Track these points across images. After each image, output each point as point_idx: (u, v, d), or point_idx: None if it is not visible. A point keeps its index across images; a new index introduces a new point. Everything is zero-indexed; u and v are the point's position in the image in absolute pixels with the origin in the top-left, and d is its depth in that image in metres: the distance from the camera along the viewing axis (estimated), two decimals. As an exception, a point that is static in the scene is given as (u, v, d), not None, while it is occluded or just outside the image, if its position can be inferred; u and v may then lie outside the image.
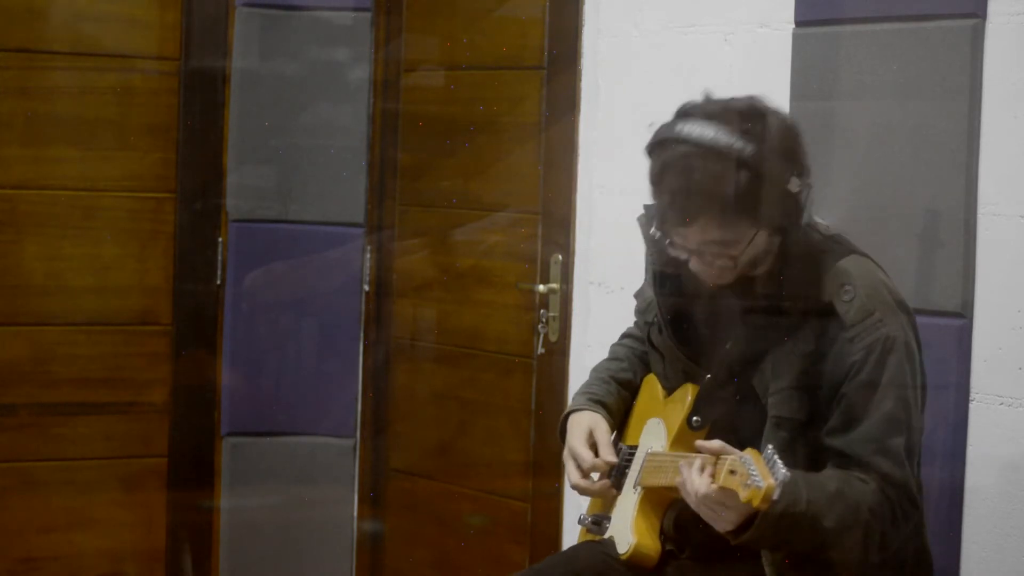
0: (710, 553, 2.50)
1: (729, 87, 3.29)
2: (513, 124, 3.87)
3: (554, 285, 3.74)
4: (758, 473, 2.23)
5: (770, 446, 2.29)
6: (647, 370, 2.81)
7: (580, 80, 3.66)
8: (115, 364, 4.08)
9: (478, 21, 3.94)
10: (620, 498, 2.69)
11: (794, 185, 2.45)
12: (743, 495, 2.24)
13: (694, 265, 2.52)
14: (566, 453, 2.74)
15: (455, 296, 4.02)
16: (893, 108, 2.98)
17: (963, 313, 2.88)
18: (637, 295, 2.87)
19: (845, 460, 2.44)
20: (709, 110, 2.47)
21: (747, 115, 2.45)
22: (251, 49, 4.12)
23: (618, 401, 2.81)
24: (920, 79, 2.93)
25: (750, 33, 3.28)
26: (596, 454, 2.71)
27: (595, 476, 2.71)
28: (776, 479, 2.21)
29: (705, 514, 2.41)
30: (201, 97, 4.10)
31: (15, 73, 3.94)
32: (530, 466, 3.82)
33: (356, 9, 4.12)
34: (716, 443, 2.39)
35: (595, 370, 2.90)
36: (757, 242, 2.47)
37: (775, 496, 2.22)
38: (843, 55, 3.07)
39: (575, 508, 3.42)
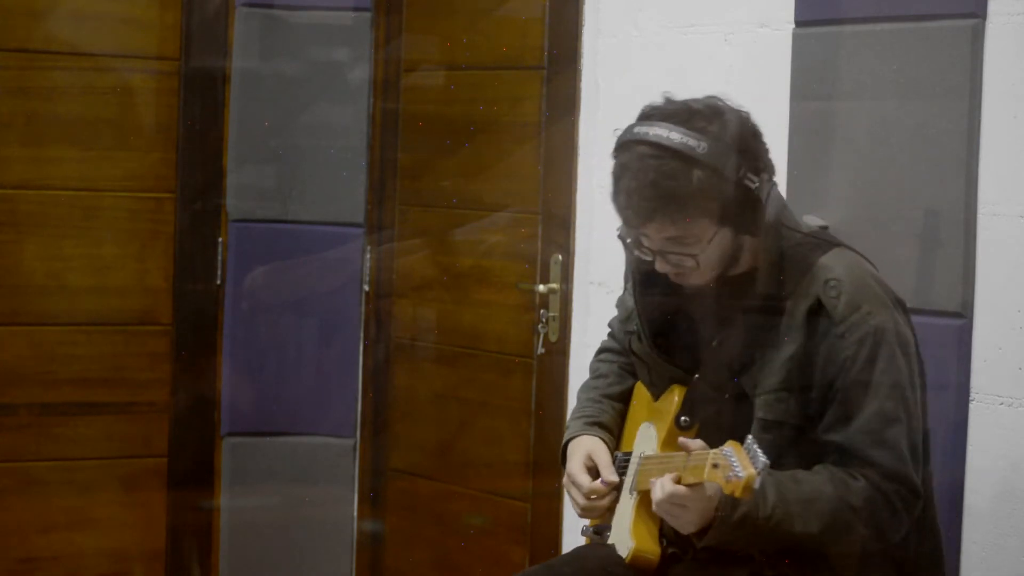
0: (713, 555, 2.50)
1: (729, 87, 3.30)
2: (513, 124, 3.87)
3: (554, 285, 3.74)
4: (739, 464, 2.24)
5: (749, 436, 2.30)
6: (634, 379, 2.82)
7: (580, 80, 3.66)
8: (115, 364, 4.08)
9: (478, 21, 3.94)
10: (619, 505, 2.69)
11: (751, 182, 2.46)
12: (727, 488, 2.25)
13: (660, 267, 2.54)
14: (566, 480, 2.75)
15: (455, 296, 4.02)
16: (893, 108, 2.98)
17: (963, 313, 2.88)
18: (618, 304, 2.87)
19: (843, 454, 2.45)
20: (667, 111, 2.50)
21: (704, 114, 2.48)
22: (251, 49, 4.12)
23: (614, 417, 2.81)
24: (920, 79, 2.93)
25: (750, 33, 3.28)
26: (598, 477, 2.71)
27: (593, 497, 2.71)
28: (756, 467, 2.22)
29: (667, 518, 2.43)
30: (201, 97, 4.10)
31: (15, 73, 3.94)
32: (530, 466, 3.82)
33: (356, 9, 4.12)
34: (697, 442, 2.41)
35: (584, 390, 2.89)
36: (719, 241, 2.49)
37: (756, 485, 2.22)
38: (843, 55, 3.07)
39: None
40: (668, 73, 3.42)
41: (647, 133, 2.47)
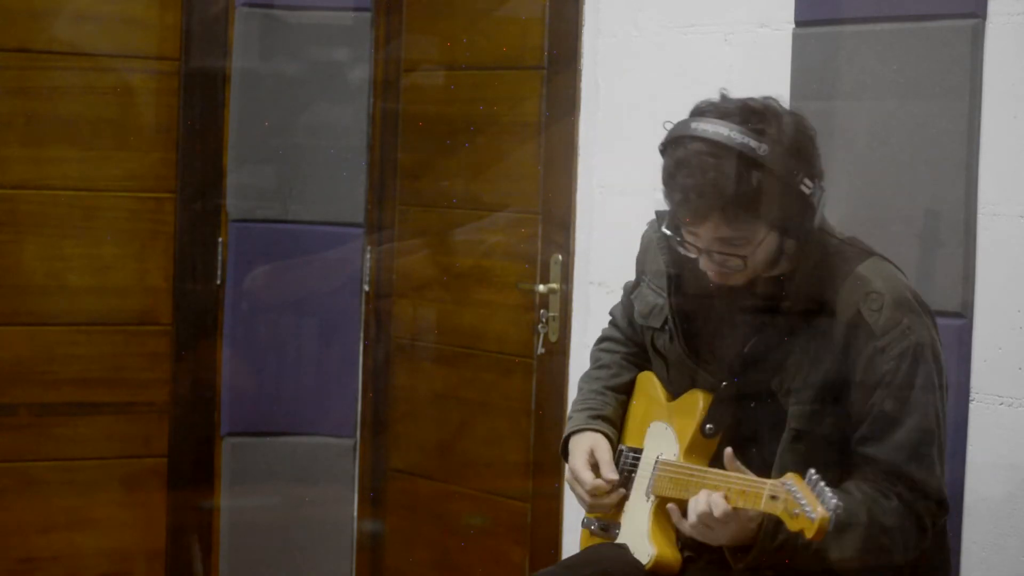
0: (725, 558, 2.49)
1: (729, 87, 3.30)
2: (513, 124, 3.87)
3: (554, 285, 3.74)
4: (807, 502, 2.19)
5: (812, 471, 2.25)
6: (636, 370, 2.80)
7: (580, 80, 3.66)
8: (115, 364, 4.08)
9: (478, 21, 3.94)
10: (629, 504, 2.67)
11: (806, 187, 2.44)
12: (792, 525, 2.21)
13: (703, 264, 2.50)
14: (569, 476, 2.74)
15: (455, 296, 4.02)
16: (893, 108, 2.98)
17: (963, 313, 2.88)
18: (633, 296, 2.83)
19: (878, 468, 2.43)
20: (724, 108, 2.46)
21: (763, 115, 2.44)
22: (251, 49, 4.12)
23: (617, 409, 2.79)
24: (920, 79, 2.93)
25: (750, 33, 3.28)
26: (598, 474, 2.70)
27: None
28: (829, 509, 2.18)
29: (697, 531, 2.41)
30: (201, 97, 4.10)
31: (15, 73, 3.94)
32: (530, 466, 3.82)
33: (356, 9, 4.12)
34: (740, 466, 2.39)
35: (586, 380, 2.87)
36: (768, 243, 2.46)
37: (831, 527, 2.19)
38: (843, 55, 3.06)
39: (575, 508, 3.42)
40: (668, 73, 3.42)
41: (706, 130, 2.42)
